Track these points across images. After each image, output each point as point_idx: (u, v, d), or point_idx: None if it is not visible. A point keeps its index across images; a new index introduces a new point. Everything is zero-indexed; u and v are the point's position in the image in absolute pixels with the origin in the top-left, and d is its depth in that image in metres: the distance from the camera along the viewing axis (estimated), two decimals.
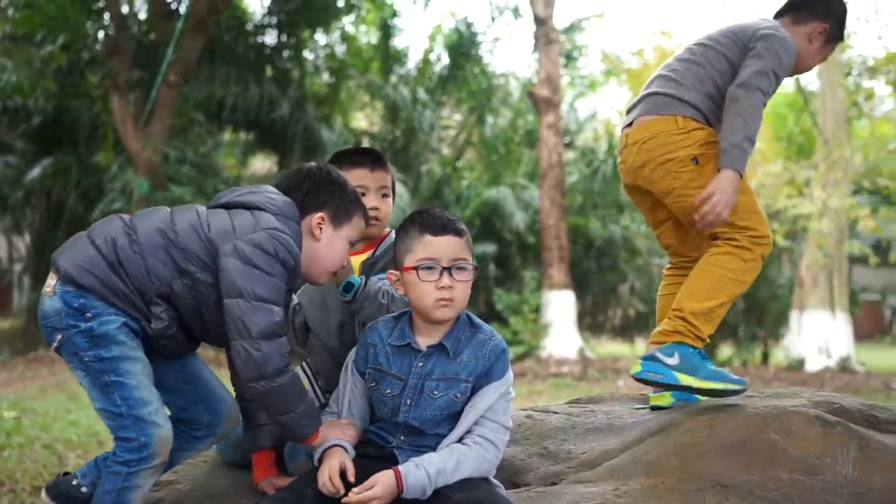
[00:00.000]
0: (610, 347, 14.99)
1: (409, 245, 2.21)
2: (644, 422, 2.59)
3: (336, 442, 2.16)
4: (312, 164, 2.41)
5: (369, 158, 2.66)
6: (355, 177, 2.60)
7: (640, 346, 14.44)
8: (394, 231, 2.75)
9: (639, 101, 2.84)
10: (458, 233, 2.21)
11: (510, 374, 2.23)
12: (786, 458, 2.22)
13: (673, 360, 2.56)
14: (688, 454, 2.26)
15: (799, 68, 2.84)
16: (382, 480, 2.03)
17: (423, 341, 2.23)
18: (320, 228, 2.26)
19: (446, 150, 15.29)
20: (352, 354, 2.35)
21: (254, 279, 2.06)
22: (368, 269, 2.61)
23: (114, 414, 2.08)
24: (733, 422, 2.33)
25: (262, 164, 16.45)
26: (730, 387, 2.53)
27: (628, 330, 14.81)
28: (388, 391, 2.21)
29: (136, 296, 2.10)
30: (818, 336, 13.11)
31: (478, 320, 2.28)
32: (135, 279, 2.09)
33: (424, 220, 2.23)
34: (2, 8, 13.09)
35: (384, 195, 2.65)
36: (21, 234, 16.18)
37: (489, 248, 12.85)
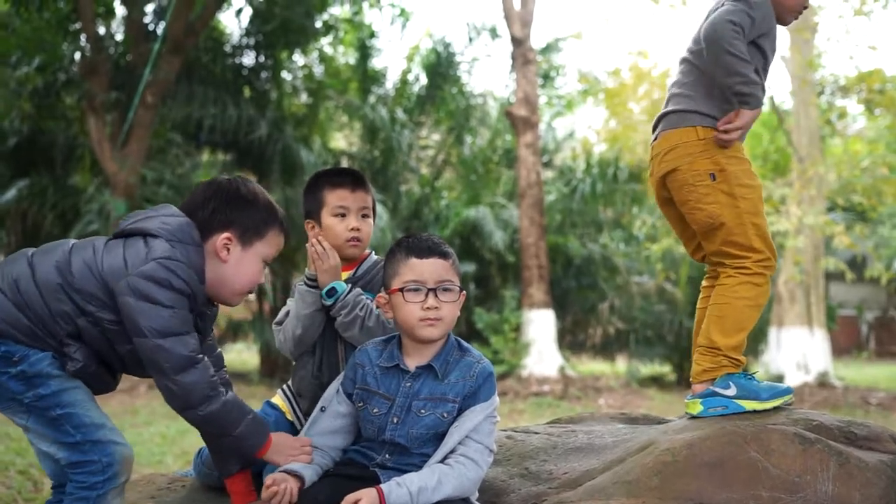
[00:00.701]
0: (591, 366, 15.00)
1: (396, 268, 2.25)
2: (625, 441, 2.60)
3: (287, 468, 2.19)
4: (221, 178, 2.33)
5: (350, 179, 2.67)
6: (336, 197, 2.63)
7: (621, 363, 14.47)
8: (373, 252, 2.76)
9: (660, 119, 2.88)
10: (443, 255, 2.26)
11: (496, 397, 2.25)
12: (766, 476, 2.22)
13: (731, 391, 2.63)
14: (668, 473, 2.26)
15: (782, 18, 2.82)
16: (366, 498, 2.04)
17: (412, 362, 2.26)
18: (227, 249, 2.22)
19: (425, 170, 15.32)
20: (340, 377, 2.37)
21: (151, 315, 2.04)
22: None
23: (70, 444, 2.07)
24: (712, 440, 2.33)
25: None
26: (787, 398, 2.67)
27: (609, 348, 14.82)
28: (375, 410, 2.23)
29: (48, 336, 2.09)
30: (796, 352, 13.21)
31: (466, 344, 2.32)
32: (41, 320, 2.08)
33: (411, 243, 2.28)
34: None
35: (364, 216, 2.65)
36: None
37: (469, 267, 12.85)
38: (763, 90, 2.73)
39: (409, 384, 2.24)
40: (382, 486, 2.07)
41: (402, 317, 2.23)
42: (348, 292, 2.50)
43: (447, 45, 14.88)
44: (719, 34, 2.62)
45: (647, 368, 13.81)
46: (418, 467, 2.16)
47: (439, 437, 2.19)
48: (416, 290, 2.20)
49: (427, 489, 2.08)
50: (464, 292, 2.29)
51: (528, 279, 12.63)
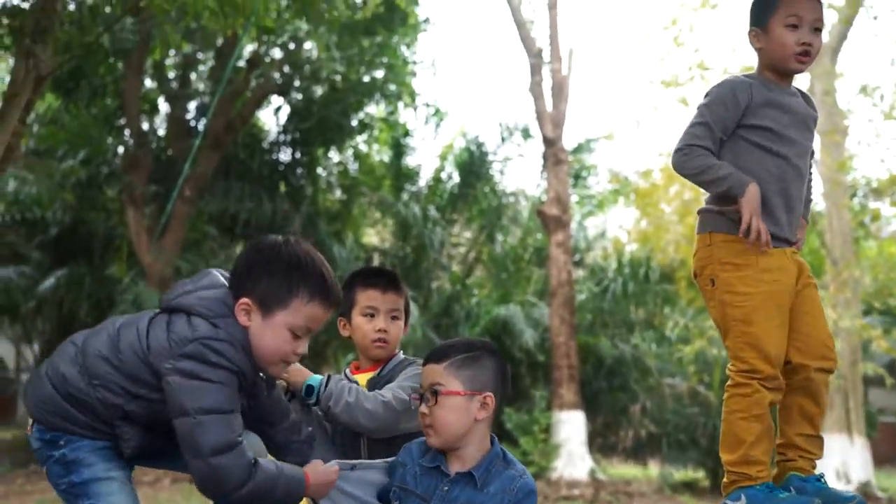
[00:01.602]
0: (622, 469, 14.62)
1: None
2: None
3: None
4: (269, 238, 2.24)
5: (382, 280, 2.68)
6: (367, 297, 2.64)
7: (653, 467, 14.08)
8: (401, 351, 2.74)
9: None
10: (435, 360, 2.27)
11: None
12: None
13: (742, 502, 2.60)
14: None
15: (785, 68, 2.78)
16: None
17: (454, 467, 2.21)
18: (246, 314, 2.12)
19: (456, 267, 15.38)
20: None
21: (195, 393, 2.00)
22: (371, 386, 2.58)
23: None
24: None
25: None
26: None
27: (640, 451, 14.46)
28: None
29: (100, 423, 2.09)
30: (836, 460, 12.78)
31: (511, 457, 2.28)
32: (92, 410, 2.08)
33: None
34: (27, 124, 13.48)
35: (394, 317, 2.64)
36: (30, 344, 16.18)
37: None
38: (781, 156, 2.71)
39: (446, 488, 2.18)
40: None
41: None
42: (326, 383, 2.43)
43: (480, 145, 15.15)
44: (675, 145, 2.74)
45: (681, 473, 13.42)
46: None
47: None
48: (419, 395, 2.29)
49: None
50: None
51: (558, 379, 12.46)
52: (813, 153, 2.90)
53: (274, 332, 2.12)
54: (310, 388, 2.42)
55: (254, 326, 2.12)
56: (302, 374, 2.44)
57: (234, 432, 2.03)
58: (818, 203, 16.02)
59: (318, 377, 2.44)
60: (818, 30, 2.72)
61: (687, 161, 2.71)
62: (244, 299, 2.12)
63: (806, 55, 2.70)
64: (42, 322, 15.02)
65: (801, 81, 13.25)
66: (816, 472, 2.74)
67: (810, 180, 2.90)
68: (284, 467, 2.14)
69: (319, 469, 2.21)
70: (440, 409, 2.17)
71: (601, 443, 14.64)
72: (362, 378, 2.62)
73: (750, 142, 2.74)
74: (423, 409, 2.20)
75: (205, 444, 1.99)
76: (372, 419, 2.41)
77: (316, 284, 2.15)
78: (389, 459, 2.35)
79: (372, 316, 2.62)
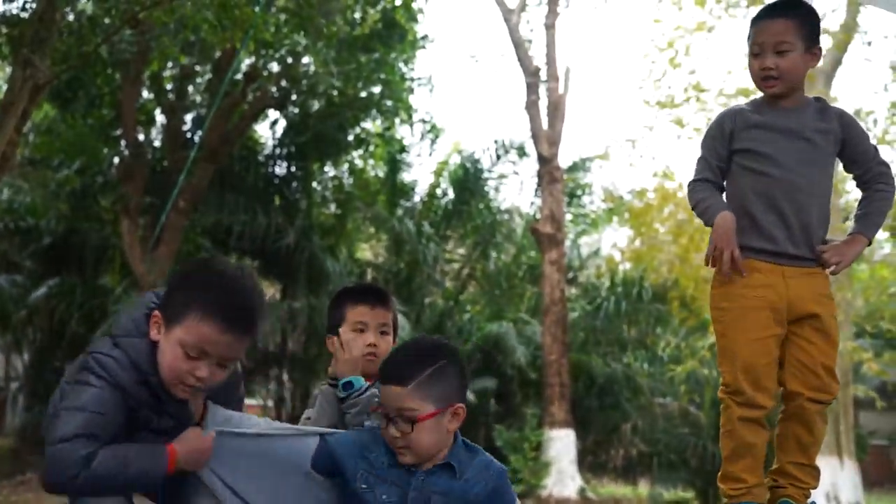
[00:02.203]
0: (612, 488, 14.58)
1: None
2: None
3: None
4: (193, 260, 2.26)
5: (371, 296, 2.70)
6: (356, 314, 2.66)
7: (643, 487, 14.05)
8: None
9: None
10: (402, 384, 2.16)
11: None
12: None
13: None
14: None
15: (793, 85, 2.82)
16: None
17: (425, 465, 2.16)
18: (157, 329, 2.09)
19: (449, 284, 15.38)
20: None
21: (70, 394, 2.03)
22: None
23: None
24: None
25: (267, 291, 16.53)
26: None
27: (631, 471, 14.44)
28: (384, 496, 2.11)
29: None
30: (825, 483, 12.74)
31: (471, 444, 2.24)
32: None
33: None
34: (23, 133, 13.48)
35: (383, 332, 2.66)
36: (20, 353, 16.09)
37: (490, 383, 12.72)
38: (766, 174, 2.75)
39: (422, 479, 2.13)
40: None
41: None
42: (363, 391, 2.45)
43: (475, 162, 15.18)
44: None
45: (671, 493, 13.39)
46: None
47: None
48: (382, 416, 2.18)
49: None
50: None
51: (549, 397, 12.46)
52: (832, 163, 2.85)
53: (169, 347, 2.06)
54: (348, 384, 2.45)
55: (161, 341, 2.08)
56: (351, 370, 2.48)
57: (88, 430, 1.96)
58: None
59: (362, 381, 2.47)
60: (782, 52, 2.73)
61: (689, 196, 2.88)
62: (155, 312, 2.11)
63: (769, 79, 2.75)
64: (33, 331, 14.94)
65: None
66: (808, 501, 2.74)
67: (879, 191, 2.79)
68: (138, 446, 2.05)
69: (189, 437, 2.08)
70: (416, 433, 2.09)
71: (591, 461, 14.62)
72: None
73: (739, 165, 2.80)
74: (394, 431, 2.11)
75: (53, 434, 1.97)
76: None
77: (213, 304, 2.04)
78: (322, 429, 2.30)
79: (362, 331, 2.64)
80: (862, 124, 3.13)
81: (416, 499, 2.10)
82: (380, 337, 2.64)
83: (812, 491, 2.70)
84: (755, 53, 2.75)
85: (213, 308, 2.03)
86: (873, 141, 2.95)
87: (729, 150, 2.80)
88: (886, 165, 2.81)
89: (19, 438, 14.30)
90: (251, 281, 2.19)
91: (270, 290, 16.28)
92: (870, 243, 2.81)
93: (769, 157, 2.76)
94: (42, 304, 13.38)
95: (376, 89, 14.05)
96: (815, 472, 2.73)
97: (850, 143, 2.80)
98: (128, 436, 2.07)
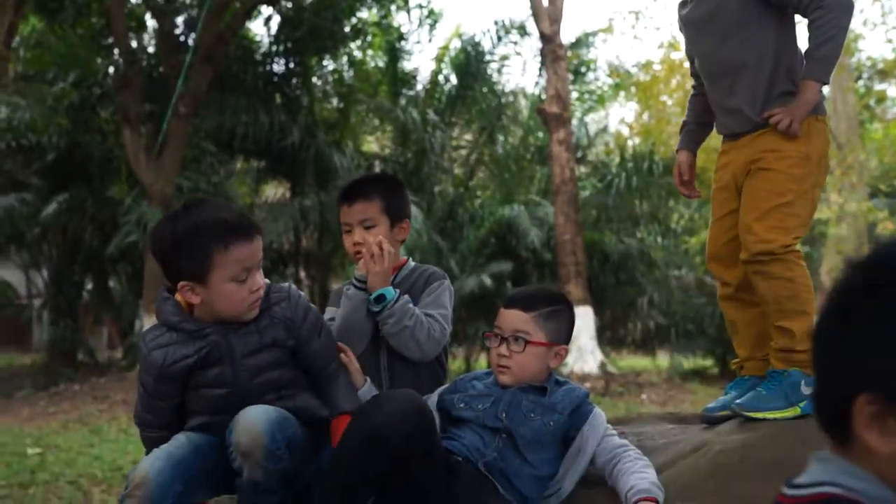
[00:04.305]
0: (631, 361, 14.88)
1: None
2: (675, 443, 2.54)
3: None
4: (155, 230, 2.26)
5: (350, 192, 2.64)
6: (342, 214, 2.65)
7: (662, 358, 14.32)
8: (410, 258, 2.73)
9: None
10: (525, 307, 2.40)
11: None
12: None
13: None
14: (724, 475, 2.20)
15: None
16: None
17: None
18: (193, 293, 2.17)
19: (458, 170, 15.29)
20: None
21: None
22: None
23: None
24: (770, 441, 2.27)
25: (276, 190, 16.50)
26: None
27: (649, 343, 14.68)
28: (479, 406, 2.32)
29: None
30: None
31: (563, 379, 2.45)
32: None
33: (510, 295, 2.57)
34: (13, 48, 13.22)
35: (368, 227, 2.59)
36: (39, 270, 16.28)
37: (505, 266, 12.80)
38: (696, 68, 2.87)
39: (514, 391, 2.33)
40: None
41: (491, 359, 2.44)
42: (396, 300, 2.45)
43: (476, 45, 14.83)
44: None
45: (689, 362, 13.66)
46: (531, 477, 2.23)
47: (545, 447, 2.26)
48: (495, 336, 2.40)
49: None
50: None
51: (565, 276, 12.54)
52: (734, 35, 2.64)
53: (221, 292, 2.15)
54: (380, 297, 2.45)
55: (205, 298, 2.16)
56: (381, 282, 2.47)
57: (145, 411, 2.30)
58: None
59: (393, 292, 2.46)
60: None
61: None
62: (180, 283, 2.17)
63: None
64: (48, 248, 15.07)
65: None
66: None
67: (814, 21, 2.54)
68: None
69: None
70: (523, 355, 2.32)
71: (610, 336, 14.85)
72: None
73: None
74: (504, 350, 2.34)
75: None
76: (418, 349, 2.49)
77: (220, 232, 2.13)
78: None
79: (348, 231, 2.62)
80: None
81: (510, 402, 2.29)
82: (364, 232, 2.58)
83: (796, 354, 2.51)
84: None
85: (226, 234, 2.12)
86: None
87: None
88: None
89: (49, 352, 14.63)
90: (212, 199, 2.39)
91: (279, 190, 16.26)
92: (824, 83, 2.60)
93: (691, 53, 2.85)
94: (54, 221, 13.43)
95: None
96: (785, 332, 2.53)
97: None
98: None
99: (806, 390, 2.46)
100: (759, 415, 2.44)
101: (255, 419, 2.05)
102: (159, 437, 2.25)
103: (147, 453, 2.20)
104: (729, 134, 2.74)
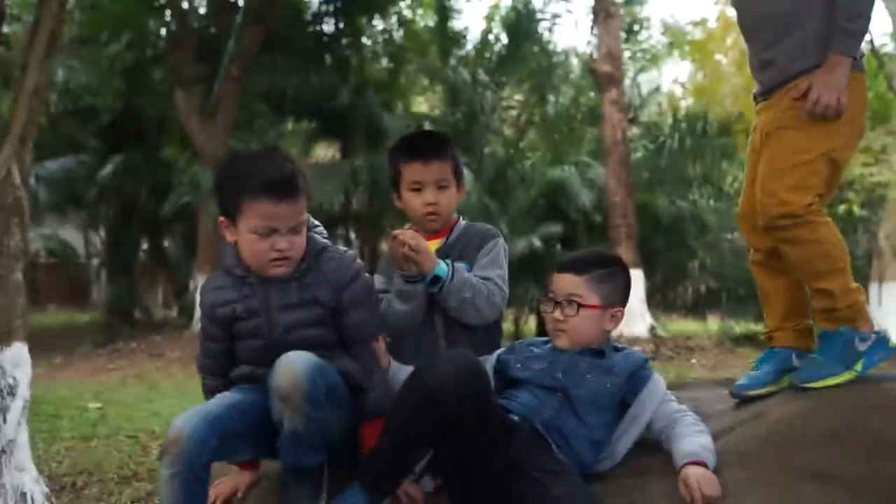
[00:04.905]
0: (681, 325, 14.74)
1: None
2: (732, 409, 2.51)
3: None
4: (229, 156, 2.32)
5: (424, 150, 2.54)
6: (410, 172, 2.54)
7: (712, 322, 14.16)
8: (461, 217, 2.69)
9: None
10: (579, 271, 2.41)
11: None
12: (891, 447, 2.09)
13: None
14: (783, 444, 2.16)
15: None
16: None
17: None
18: (228, 231, 2.22)
19: (508, 131, 15.18)
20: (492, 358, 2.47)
21: None
22: (442, 256, 2.52)
23: None
24: (829, 409, 2.23)
25: (326, 151, 16.58)
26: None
27: (699, 307, 14.52)
28: (536, 366, 2.35)
29: None
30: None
31: (622, 345, 2.45)
32: None
33: (561, 259, 2.53)
34: (69, 11, 13.38)
35: (442, 187, 2.54)
36: (97, 230, 16.66)
37: (555, 228, 12.72)
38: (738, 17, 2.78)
39: (571, 354, 2.36)
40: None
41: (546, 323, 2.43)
42: (452, 277, 2.41)
43: (527, 3, 14.62)
44: None
45: (741, 326, 13.49)
46: (587, 439, 2.25)
47: (601, 409, 2.27)
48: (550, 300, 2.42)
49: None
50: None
51: (615, 239, 12.42)
52: None
53: (243, 239, 2.18)
54: (435, 279, 2.40)
55: (237, 241, 2.21)
56: (431, 262, 2.40)
57: (203, 355, 2.34)
58: (885, 44, 15.26)
59: (444, 267, 2.41)
60: None
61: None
62: (220, 217, 2.23)
63: None
64: (105, 209, 15.38)
65: None
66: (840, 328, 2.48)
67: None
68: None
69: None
70: (577, 318, 2.34)
71: (660, 300, 14.71)
72: (429, 247, 2.59)
73: None
74: (558, 314, 2.36)
75: None
76: (478, 316, 2.46)
77: (254, 183, 2.12)
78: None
79: (419, 190, 2.54)
80: None
81: (567, 363, 2.33)
82: (438, 192, 2.53)
83: (839, 312, 2.44)
84: None
85: (257, 187, 2.11)
86: None
87: None
88: None
89: (108, 311, 15.01)
90: (279, 151, 2.29)
91: (330, 150, 16.33)
92: (855, 57, 2.43)
93: (735, 4, 2.74)
94: (110, 182, 13.69)
95: None
96: (824, 293, 2.45)
97: None
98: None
99: (861, 346, 2.41)
100: (819, 384, 2.38)
101: (295, 362, 2.06)
102: (216, 385, 2.30)
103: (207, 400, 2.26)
104: (764, 92, 2.64)
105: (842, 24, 2.41)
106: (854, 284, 2.48)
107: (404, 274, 2.43)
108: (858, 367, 2.40)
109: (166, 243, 16.35)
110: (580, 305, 2.33)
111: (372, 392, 2.25)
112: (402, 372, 2.35)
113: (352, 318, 2.26)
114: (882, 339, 2.46)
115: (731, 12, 17.85)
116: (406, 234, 2.39)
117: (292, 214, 2.15)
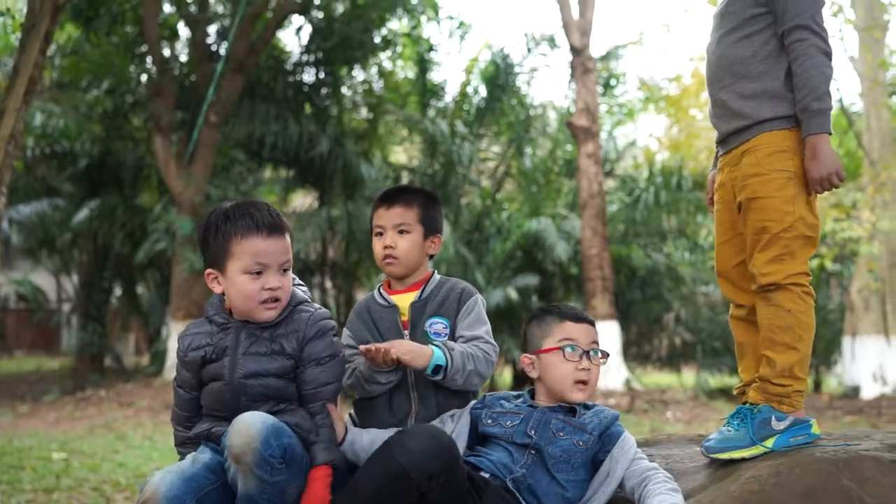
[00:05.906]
0: (657, 378, 14.73)
1: (547, 330, 2.41)
2: (705, 467, 2.49)
3: None
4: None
5: (390, 196, 2.65)
6: (375, 217, 2.64)
7: (688, 375, 14.17)
8: (436, 272, 2.69)
9: None
10: (592, 323, 2.48)
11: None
12: None
13: None
14: (755, 502, 2.15)
15: None
16: None
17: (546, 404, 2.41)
18: (216, 282, 2.28)
19: (486, 183, 15.27)
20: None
21: None
22: (417, 311, 2.55)
23: None
24: (802, 468, 2.22)
25: (304, 200, 16.58)
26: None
27: (675, 359, 14.53)
28: (508, 423, 2.34)
29: None
30: (872, 362, 12.76)
31: (593, 403, 2.45)
32: None
33: (562, 309, 2.48)
34: (49, 56, 13.41)
35: (402, 231, 2.58)
36: (69, 275, 16.46)
37: (531, 279, 12.75)
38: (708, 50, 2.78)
39: (544, 410, 2.36)
40: None
41: (555, 376, 2.37)
42: (452, 361, 2.37)
43: (506, 57, 14.82)
44: None
45: (716, 380, 13.50)
46: (560, 497, 2.22)
47: (574, 467, 2.26)
48: (573, 348, 2.38)
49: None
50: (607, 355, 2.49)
51: (591, 291, 12.46)
52: (737, 29, 2.58)
53: (234, 282, 2.23)
54: (437, 368, 2.36)
55: (225, 287, 2.27)
56: (424, 357, 2.35)
57: (175, 404, 2.37)
58: (854, 103, 15.59)
59: (441, 354, 2.36)
60: None
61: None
62: (206, 271, 2.30)
63: None
64: (79, 253, 15.23)
65: None
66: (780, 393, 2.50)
67: (794, 58, 2.46)
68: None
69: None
70: (598, 369, 2.42)
71: (636, 352, 14.73)
72: (403, 300, 2.58)
73: None
74: (588, 365, 2.39)
75: None
76: (481, 381, 2.49)
77: (242, 223, 2.23)
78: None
79: (380, 234, 2.61)
80: None
81: (539, 419, 2.32)
82: (397, 237, 2.57)
83: (771, 386, 2.46)
84: None
85: (246, 225, 2.22)
86: None
87: None
88: (800, 17, 2.44)
89: (77, 357, 14.77)
90: (260, 201, 2.39)
91: (307, 199, 16.33)
92: (830, 133, 2.43)
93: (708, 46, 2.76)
94: (85, 227, 13.59)
95: None
96: (768, 362, 2.48)
97: None
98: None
99: (777, 425, 2.43)
100: (725, 456, 2.42)
101: (249, 421, 2.05)
102: (186, 438, 2.32)
103: (179, 453, 2.28)
104: (721, 141, 2.68)
105: (810, 106, 2.43)
106: (801, 374, 2.47)
107: (385, 370, 2.41)
108: (769, 443, 2.41)
109: (140, 290, 16.19)
110: (608, 355, 2.47)
111: (318, 444, 2.23)
112: (362, 437, 2.33)
113: (309, 373, 2.27)
114: (804, 425, 2.46)
115: (704, 69, 18.22)
116: (381, 346, 2.34)
117: (281, 251, 2.24)
